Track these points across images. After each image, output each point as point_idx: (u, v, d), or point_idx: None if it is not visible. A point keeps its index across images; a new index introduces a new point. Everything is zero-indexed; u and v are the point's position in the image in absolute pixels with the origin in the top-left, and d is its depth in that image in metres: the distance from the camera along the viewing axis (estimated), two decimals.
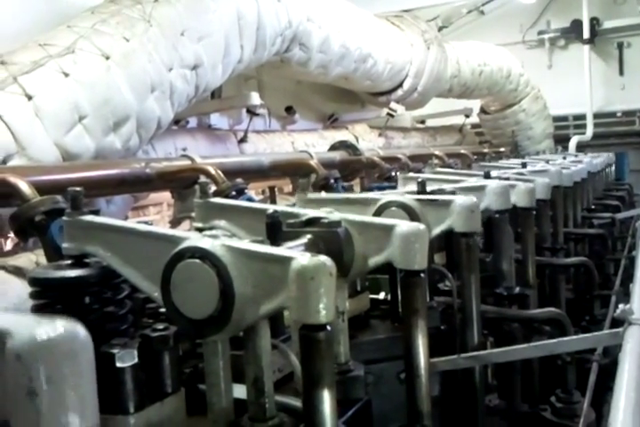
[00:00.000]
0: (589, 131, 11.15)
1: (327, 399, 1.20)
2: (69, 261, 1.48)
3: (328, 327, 1.19)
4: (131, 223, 1.57)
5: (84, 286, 1.40)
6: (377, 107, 8.52)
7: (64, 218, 1.54)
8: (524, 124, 10.23)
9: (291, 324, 1.73)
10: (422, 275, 1.73)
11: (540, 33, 11.85)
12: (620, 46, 11.40)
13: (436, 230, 2.12)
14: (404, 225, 1.70)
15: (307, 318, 1.17)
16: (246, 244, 1.30)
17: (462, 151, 6.59)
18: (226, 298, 1.23)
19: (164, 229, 1.56)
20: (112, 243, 1.45)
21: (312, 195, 2.30)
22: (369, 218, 1.85)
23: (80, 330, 0.86)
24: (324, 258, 1.19)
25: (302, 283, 1.16)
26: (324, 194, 2.48)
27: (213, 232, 1.34)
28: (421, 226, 1.72)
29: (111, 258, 1.44)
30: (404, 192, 2.39)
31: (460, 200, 2.12)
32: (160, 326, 1.43)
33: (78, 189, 1.52)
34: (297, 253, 1.21)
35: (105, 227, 1.48)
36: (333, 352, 1.25)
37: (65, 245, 1.51)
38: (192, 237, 1.32)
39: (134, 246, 1.42)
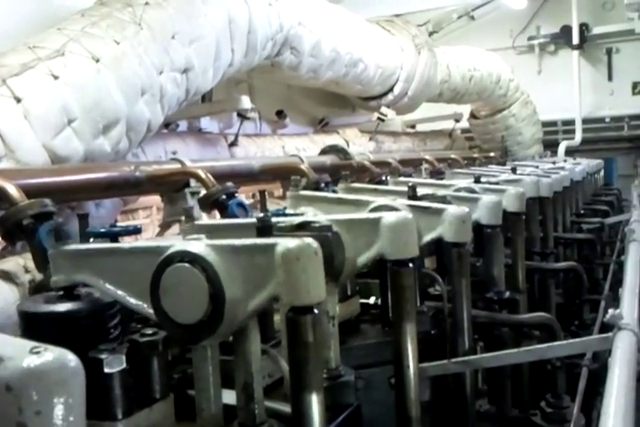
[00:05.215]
0: (578, 136, 11.20)
1: (315, 401, 1.20)
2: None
3: (315, 311, 1.19)
4: (114, 244, 1.56)
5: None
6: (367, 111, 8.52)
7: (49, 251, 1.52)
8: (513, 129, 10.25)
9: (280, 328, 1.72)
10: (411, 265, 1.73)
11: (530, 38, 11.90)
12: (609, 52, 11.47)
13: (427, 238, 2.10)
14: (390, 216, 1.72)
15: (296, 299, 1.17)
16: (230, 240, 1.29)
17: (452, 156, 6.60)
18: (216, 298, 1.22)
19: (147, 241, 1.55)
20: (99, 267, 1.43)
21: (305, 192, 2.29)
22: (355, 215, 1.86)
23: (71, 359, 0.81)
24: (308, 239, 1.19)
25: (289, 265, 1.16)
26: (316, 192, 2.48)
27: (196, 236, 1.33)
28: (408, 215, 1.75)
29: (100, 283, 1.42)
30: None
31: (452, 210, 2.10)
32: (149, 331, 1.42)
33: (60, 220, 1.49)
34: (280, 239, 1.21)
35: (90, 252, 1.47)
36: (320, 336, 1.24)
37: (53, 278, 1.49)
38: (177, 243, 1.31)
39: (122, 266, 1.40)
